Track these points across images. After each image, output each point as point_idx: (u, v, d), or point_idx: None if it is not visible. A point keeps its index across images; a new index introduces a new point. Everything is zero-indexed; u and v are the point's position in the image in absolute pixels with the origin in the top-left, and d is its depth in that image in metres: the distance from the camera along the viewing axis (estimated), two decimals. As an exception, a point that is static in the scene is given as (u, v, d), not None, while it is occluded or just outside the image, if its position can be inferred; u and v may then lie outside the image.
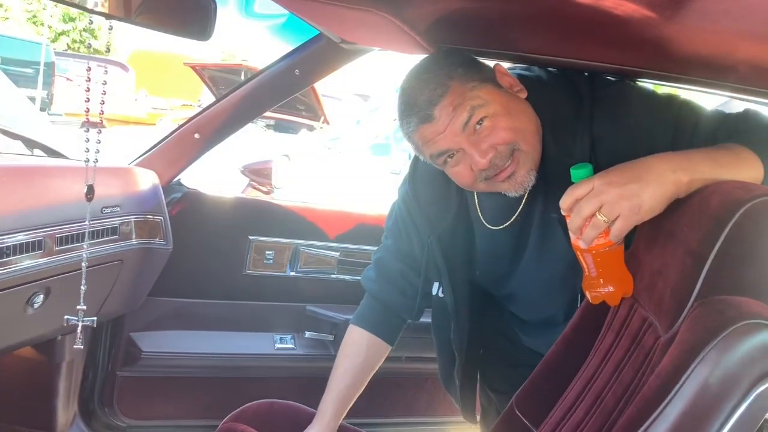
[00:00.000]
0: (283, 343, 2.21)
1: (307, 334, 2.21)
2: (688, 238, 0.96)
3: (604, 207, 0.97)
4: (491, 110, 1.15)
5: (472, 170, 1.18)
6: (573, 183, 1.04)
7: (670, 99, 1.24)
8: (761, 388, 0.83)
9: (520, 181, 1.19)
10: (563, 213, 1.04)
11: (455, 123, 1.14)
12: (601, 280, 1.07)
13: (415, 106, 1.17)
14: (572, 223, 1.01)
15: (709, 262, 0.90)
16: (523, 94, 1.23)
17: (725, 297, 0.90)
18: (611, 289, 1.08)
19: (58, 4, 1.08)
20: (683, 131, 1.17)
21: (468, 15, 1.19)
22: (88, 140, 1.04)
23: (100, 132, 1.05)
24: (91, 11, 1.07)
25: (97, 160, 1.08)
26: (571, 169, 1.04)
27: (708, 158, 1.02)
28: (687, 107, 1.21)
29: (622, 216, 0.97)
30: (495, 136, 1.15)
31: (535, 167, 1.21)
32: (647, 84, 1.47)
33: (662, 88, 1.48)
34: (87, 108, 0.99)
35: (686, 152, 1.04)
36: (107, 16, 1.08)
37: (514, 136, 1.16)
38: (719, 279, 0.91)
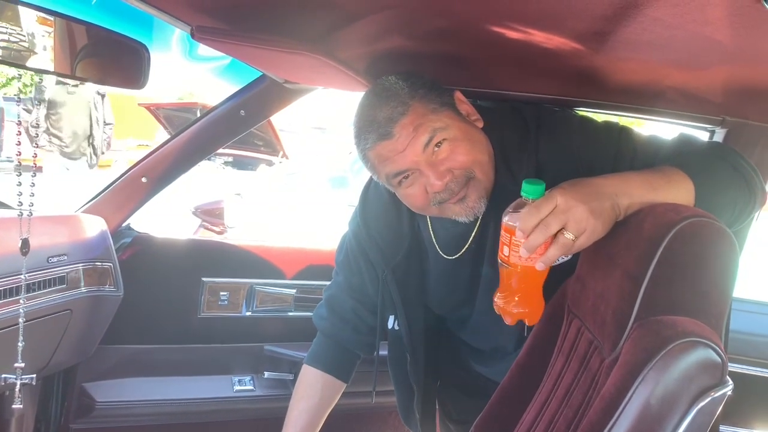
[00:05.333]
0: (242, 385, 2.18)
1: (267, 374, 2.19)
2: (625, 260, 0.98)
3: (570, 223, 0.94)
4: (451, 134, 1.16)
5: (427, 192, 1.18)
6: (524, 197, 1.00)
7: (610, 126, 1.28)
8: (701, 404, 0.85)
9: (471, 206, 1.19)
10: (523, 232, 0.96)
11: (415, 143, 1.14)
12: (517, 299, 1.05)
13: (374, 123, 1.16)
14: (534, 240, 0.95)
15: (644, 283, 0.93)
16: (480, 124, 1.25)
17: (662, 317, 0.92)
18: (525, 310, 1.06)
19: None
20: (623, 158, 1.20)
21: (404, 52, 1.22)
22: (20, 193, 1.02)
23: (34, 182, 1.03)
24: (36, 70, 1.08)
25: (31, 213, 1.05)
26: (523, 183, 1.00)
27: (644, 181, 1.04)
28: (626, 134, 1.24)
29: (588, 232, 0.96)
30: (452, 160, 1.16)
31: (487, 195, 1.21)
32: (589, 112, 1.51)
33: (602, 116, 1.53)
34: (18, 151, 0.97)
35: (624, 176, 1.06)
36: (51, 74, 1.09)
37: (470, 163, 1.17)
38: (655, 300, 0.93)
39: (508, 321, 1.07)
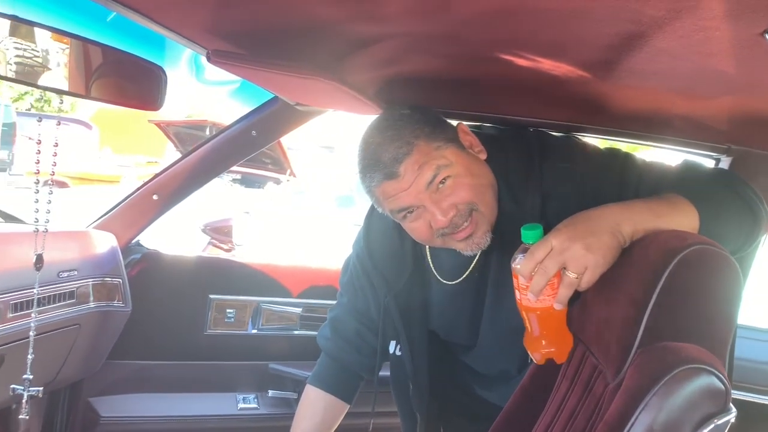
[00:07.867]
0: (246, 403, 2.18)
1: (271, 392, 2.18)
2: (629, 287, 0.99)
3: (569, 263, 0.98)
4: (455, 171, 1.17)
5: (431, 227, 1.20)
6: (525, 243, 1.03)
7: (614, 153, 1.29)
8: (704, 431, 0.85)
9: (477, 242, 1.21)
10: (523, 279, 1.01)
11: (419, 181, 1.16)
12: (544, 341, 1.08)
13: (380, 163, 1.17)
14: (536, 284, 0.99)
15: (648, 309, 0.93)
16: (483, 155, 1.26)
17: (666, 343, 0.93)
18: (552, 349, 1.09)
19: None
20: (628, 184, 1.21)
21: (413, 78, 1.24)
22: (37, 210, 1.04)
23: (51, 193, 1.04)
24: (53, 90, 1.10)
25: (46, 230, 1.07)
26: (522, 230, 1.04)
27: (647, 209, 1.05)
28: (630, 160, 1.25)
29: (590, 268, 0.98)
30: (456, 195, 1.17)
31: (491, 228, 1.23)
32: (595, 138, 1.53)
33: (606, 143, 1.54)
34: (37, 169, 0.99)
35: (627, 204, 1.07)
36: (67, 93, 1.11)
37: (474, 197, 1.18)
38: (659, 326, 0.94)
39: (537, 360, 1.11)
